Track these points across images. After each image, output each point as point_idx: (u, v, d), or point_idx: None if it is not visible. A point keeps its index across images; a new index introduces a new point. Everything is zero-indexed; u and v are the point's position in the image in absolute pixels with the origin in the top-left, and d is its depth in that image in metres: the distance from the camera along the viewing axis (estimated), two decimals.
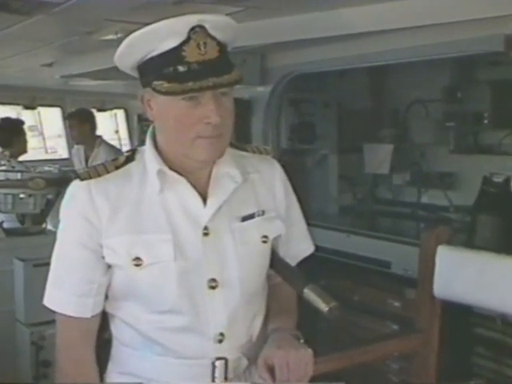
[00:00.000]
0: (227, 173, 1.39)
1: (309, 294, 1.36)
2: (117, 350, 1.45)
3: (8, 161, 4.12)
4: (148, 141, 1.40)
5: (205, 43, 1.26)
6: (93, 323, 1.39)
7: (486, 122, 3.30)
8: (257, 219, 1.42)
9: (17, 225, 3.82)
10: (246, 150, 1.50)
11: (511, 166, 3.12)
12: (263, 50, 3.37)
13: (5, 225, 3.67)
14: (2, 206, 3.61)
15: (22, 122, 4.66)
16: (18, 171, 3.87)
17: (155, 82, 1.28)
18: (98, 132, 5.13)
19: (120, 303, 1.40)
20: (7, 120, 4.57)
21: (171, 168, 1.36)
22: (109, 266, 1.37)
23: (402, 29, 2.50)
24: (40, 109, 6.14)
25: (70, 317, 1.37)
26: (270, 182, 1.48)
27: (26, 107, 5.75)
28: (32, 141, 4.61)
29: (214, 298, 1.36)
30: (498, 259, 2.19)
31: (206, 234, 1.36)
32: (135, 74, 1.37)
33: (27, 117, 5.63)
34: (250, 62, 3.44)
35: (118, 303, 1.40)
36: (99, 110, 6.01)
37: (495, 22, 2.24)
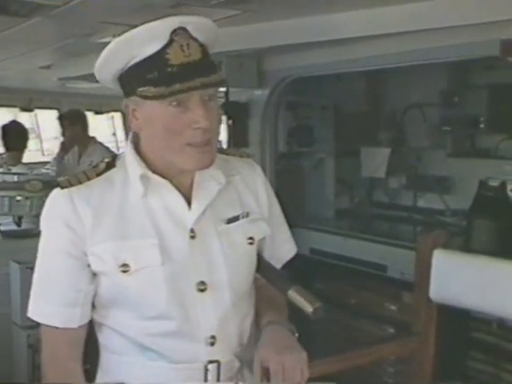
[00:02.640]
0: (210, 175, 1.38)
1: (293, 295, 1.35)
2: (105, 358, 1.42)
3: (5, 163, 4.12)
4: (129, 146, 1.38)
5: (188, 45, 1.24)
6: (80, 334, 1.37)
7: (482, 126, 3.31)
8: (242, 221, 1.42)
9: (13, 227, 3.81)
10: (228, 154, 1.49)
11: (507, 170, 3.14)
12: (261, 53, 3.37)
13: (1, 227, 3.66)
14: None
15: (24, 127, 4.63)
16: (15, 173, 3.87)
17: (140, 89, 1.25)
18: (96, 134, 5.11)
19: (108, 311, 1.37)
20: (17, 124, 4.51)
21: (154, 172, 1.34)
22: (94, 275, 1.34)
23: (398, 33, 2.51)
24: (37, 111, 6.14)
25: (57, 328, 1.34)
26: (253, 185, 1.48)
27: (23, 109, 5.74)
28: (29, 143, 4.58)
29: (204, 300, 1.35)
30: (494, 263, 2.20)
31: (192, 237, 1.35)
32: (115, 85, 1.34)
33: (24, 119, 5.61)
34: (247, 65, 3.44)
35: (105, 311, 1.38)
36: (96, 113, 6.01)
37: (491, 27, 2.25)
